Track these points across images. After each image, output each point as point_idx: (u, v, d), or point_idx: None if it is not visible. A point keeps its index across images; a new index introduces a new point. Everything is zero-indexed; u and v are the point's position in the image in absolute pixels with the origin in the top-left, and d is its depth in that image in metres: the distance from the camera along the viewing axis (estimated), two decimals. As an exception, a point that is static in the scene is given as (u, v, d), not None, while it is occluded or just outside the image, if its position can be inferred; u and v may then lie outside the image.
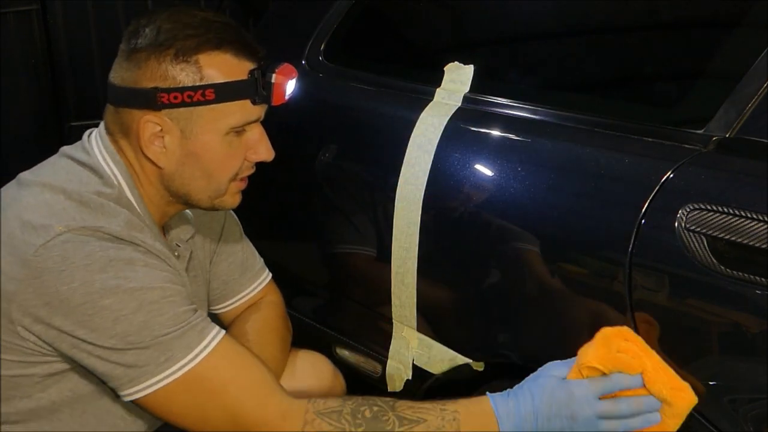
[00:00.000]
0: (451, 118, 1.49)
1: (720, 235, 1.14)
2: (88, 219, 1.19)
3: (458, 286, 1.51)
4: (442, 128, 1.48)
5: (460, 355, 1.50)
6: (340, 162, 1.71)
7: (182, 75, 1.22)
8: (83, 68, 3.11)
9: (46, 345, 1.20)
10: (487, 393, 1.25)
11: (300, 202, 1.81)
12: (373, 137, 1.66)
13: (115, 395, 1.24)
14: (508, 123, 1.47)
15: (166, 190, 1.30)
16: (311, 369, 1.56)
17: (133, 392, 1.18)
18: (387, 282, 1.56)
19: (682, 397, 1.18)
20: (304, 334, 1.64)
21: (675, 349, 1.21)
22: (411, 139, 1.51)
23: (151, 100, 1.23)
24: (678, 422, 1.20)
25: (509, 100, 1.49)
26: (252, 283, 1.57)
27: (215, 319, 1.55)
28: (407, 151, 1.51)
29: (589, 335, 1.26)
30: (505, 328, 1.45)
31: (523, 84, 1.65)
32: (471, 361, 1.49)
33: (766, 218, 1.11)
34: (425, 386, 1.59)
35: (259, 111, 1.29)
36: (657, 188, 1.22)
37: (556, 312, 1.35)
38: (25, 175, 1.28)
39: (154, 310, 1.17)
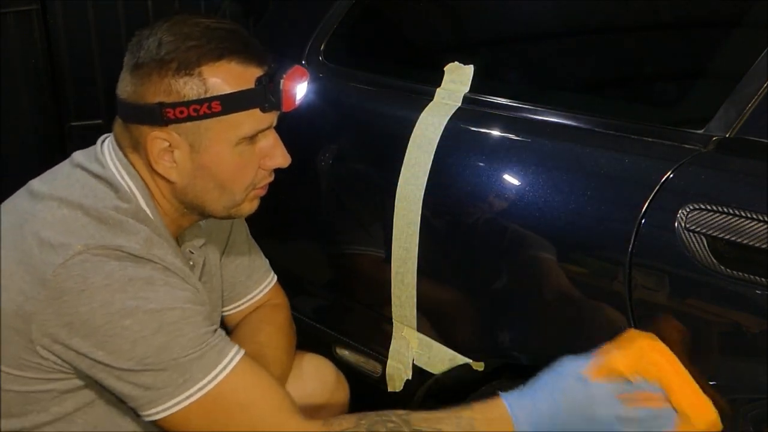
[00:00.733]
0: (451, 118, 1.49)
1: (720, 235, 1.14)
2: (107, 237, 1.17)
3: (458, 286, 1.51)
4: (442, 128, 1.48)
5: (460, 355, 1.50)
6: (340, 162, 1.71)
7: (186, 88, 1.19)
8: (83, 68, 3.11)
9: (65, 364, 1.19)
10: (500, 394, 1.23)
11: (300, 203, 1.81)
12: (373, 137, 1.66)
13: (131, 413, 1.24)
14: (508, 123, 1.47)
15: (181, 203, 1.28)
16: (315, 372, 1.55)
17: (152, 413, 1.17)
18: (387, 282, 1.56)
19: (705, 418, 1.18)
20: (305, 334, 1.63)
21: (674, 348, 1.21)
22: (411, 139, 1.51)
23: (156, 116, 1.20)
24: None
25: (509, 100, 1.49)
26: (259, 285, 1.57)
27: (221, 320, 1.55)
28: (407, 151, 1.50)
29: (590, 335, 1.26)
30: (505, 328, 1.45)
31: (523, 84, 1.64)
32: (471, 361, 1.49)
33: (766, 218, 1.11)
34: (426, 385, 1.59)
35: (270, 118, 1.25)
36: (657, 188, 1.22)
37: (556, 312, 1.35)
38: (38, 187, 1.26)
39: (174, 331, 1.16)
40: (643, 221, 1.21)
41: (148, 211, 1.25)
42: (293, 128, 1.74)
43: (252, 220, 1.59)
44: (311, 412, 1.50)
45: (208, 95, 1.19)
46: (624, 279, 1.23)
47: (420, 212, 1.48)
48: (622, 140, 1.33)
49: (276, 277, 1.60)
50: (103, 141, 1.30)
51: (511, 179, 1.40)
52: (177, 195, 1.27)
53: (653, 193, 1.22)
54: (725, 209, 1.14)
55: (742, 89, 1.23)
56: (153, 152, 1.23)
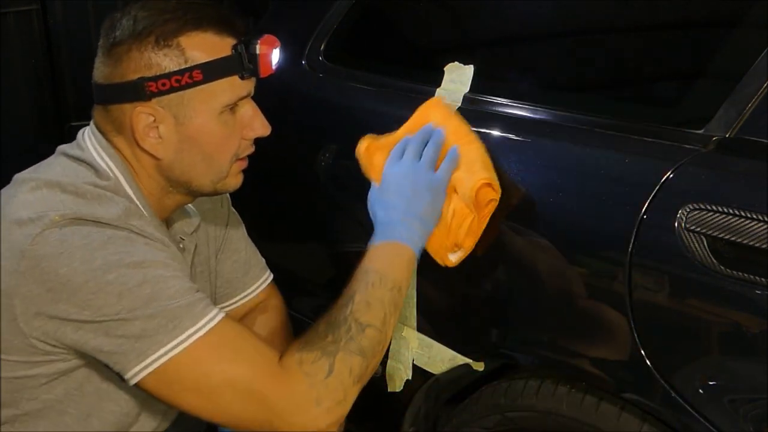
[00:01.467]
0: (451, 118, 1.49)
1: (720, 235, 1.14)
2: (84, 208, 1.18)
3: (458, 286, 1.51)
4: (442, 128, 1.48)
5: (460, 355, 1.50)
6: (340, 162, 1.70)
7: (166, 60, 1.22)
8: (83, 68, 3.10)
9: (50, 340, 1.18)
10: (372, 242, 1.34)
11: (300, 202, 1.81)
12: (373, 137, 1.65)
13: (122, 396, 1.24)
14: (508, 123, 1.47)
15: (166, 181, 1.29)
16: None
17: (141, 368, 1.14)
18: (387, 282, 1.56)
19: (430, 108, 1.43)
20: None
21: (674, 348, 1.21)
22: (411, 139, 1.50)
23: (139, 91, 1.22)
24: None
25: (509, 100, 1.49)
26: (255, 282, 1.57)
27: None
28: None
29: (589, 334, 1.26)
30: (505, 328, 1.45)
31: (523, 84, 1.64)
32: (471, 361, 1.49)
33: (766, 218, 1.11)
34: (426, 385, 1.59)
35: (248, 86, 1.28)
36: (657, 188, 1.22)
37: (556, 312, 1.35)
38: (20, 174, 1.28)
39: (159, 282, 1.15)
40: (643, 221, 1.21)
41: (129, 191, 1.26)
42: (294, 128, 1.75)
43: (252, 220, 1.59)
44: None
45: (188, 65, 1.22)
46: (624, 279, 1.23)
47: (420, 212, 1.48)
48: (622, 140, 1.33)
49: (272, 275, 1.60)
50: (84, 130, 1.32)
51: (510, 179, 1.40)
52: (163, 172, 1.28)
53: (653, 193, 1.22)
54: (725, 209, 1.14)
55: (742, 89, 1.23)
56: (138, 129, 1.24)
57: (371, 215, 1.38)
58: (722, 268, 1.14)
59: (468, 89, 1.52)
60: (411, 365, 1.59)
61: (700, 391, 1.20)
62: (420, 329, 1.55)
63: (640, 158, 1.30)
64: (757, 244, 1.11)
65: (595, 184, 1.32)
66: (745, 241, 1.12)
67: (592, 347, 1.31)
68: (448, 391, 1.60)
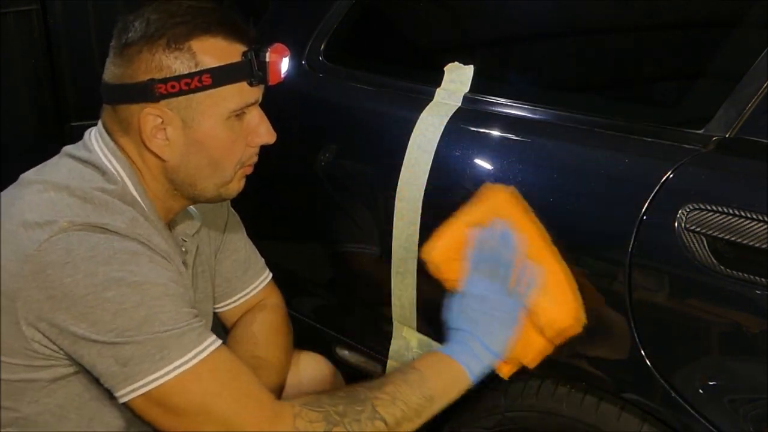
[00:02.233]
0: (451, 118, 1.49)
1: (720, 235, 1.14)
2: (92, 215, 1.18)
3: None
4: (442, 128, 1.48)
5: (460, 355, 1.50)
6: (340, 162, 1.71)
7: (177, 63, 1.22)
8: (83, 68, 3.11)
9: (50, 345, 1.19)
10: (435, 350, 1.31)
11: (300, 202, 1.81)
12: (373, 137, 1.66)
13: (121, 404, 1.24)
14: (508, 123, 1.47)
15: (171, 183, 1.29)
16: (312, 371, 1.56)
17: (128, 392, 1.17)
18: (387, 282, 1.56)
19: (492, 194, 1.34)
20: (304, 334, 1.64)
21: (674, 348, 1.21)
22: (411, 139, 1.51)
23: (148, 92, 1.22)
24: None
25: (509, 100, 1.49)
26: (254, 281, 1.57)
27: (216, 318, 1.56)
28: (407, 151, 1.51)
29: (589, 335, 1.26)
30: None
31: (523, 84, 1.64)
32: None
33: (766, 218, 1.11)
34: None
35: (256, 92, 1.28)
36: (657, 188, 1.22)
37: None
38: (26, 175, 1.28)
39: (155, 306, 1.16)
40: (643, 221, 1.21)
41: (135, 194, 1.26)
42: (294, 128, 1.75)
43: (253, 220, 1.59)
44: None
45: (198, 69, 1.22)
46: (624, 279, 1.23)
47: (420, 212, 1.48)
48: (622, 140, 1.33)
49: (271, 274, 1.60)
50: (91, 131, 1.32)
51: (510, 179, 1.40)
52: (168, 174, 1.28)
53: (653, 193, 1.22)
54: (725, 209, 1.14)
55: (742, 89, 1.23)
56: (146, 130, 1.24)
57: (446, 319, 1.34)
58: (722, 268, 1.14)
59: (468, 89, 1.52)
60: (411, 365, 1.58)
61: (700, 391, 1.20)
62: (420, 329, 1.56)
63: (640, 158, 1.30)
64: (757, 244, 1.11)
65: (595, 184, 1.32)
66: (745, 241, 1.12)
67: (592, 347, 1.31)
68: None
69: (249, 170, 1.33)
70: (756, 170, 1.18)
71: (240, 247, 1.55)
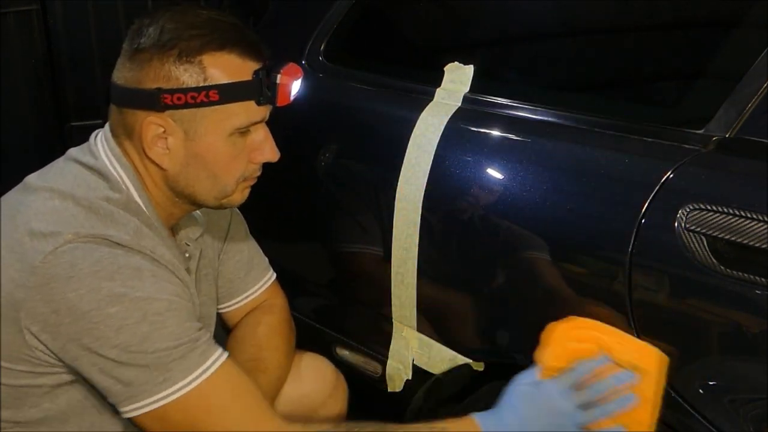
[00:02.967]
0: (451, 118, 1.49)
1: (720, 235, 1.14)
2: (97, 226, 1.18)
3: (458, 286, 1.51)
4: (442, 128, 1.48)
5: (460, 355, 1.50)
6: (340, 162, 1.71)
7: (186, 76, 1.21)
8: (83, 68, 3.11)
9: (53, 355, 1.19)
10: (471, 414, 1.28)
11: (300, 202, 1.81)
12: (373, 137, 1.66)
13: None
14: (508, 123, 1.47)
15: (171, 191, 1.29)
16: (314, 372, 1.56)
17: (130, 409, 1.18)
18: (387, 282, 1.56)
19: (652, 358, 1.20)
20: (305, 334, 1.63)
21: (674, 349, 1.21)
22: (411, 139, 1.51)
23: (154, 101, 1.21)
24: (657, 389, 1.21)
25: (509, 100, 1.49)
26: (257, 282, 1.57)
27: (219, 318, 1.55)
28: (407, 151, 1.51)
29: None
30: (505, 328, 1.45)
31: (523, 84, 1.64)
32: (471, 361, 1.49)
33: (766, 218, 1.10)
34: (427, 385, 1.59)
35: (263, 112, 1.27)
36: (657, 188, 1.22)
37: (556, 312, 1.35)
38: (32, 180, 1.27)
39: (157, 321, 1.16)
40: (643, 221, 1.21)
41: (140, 202, 1.26)
42: (293, 128, 1.75)
43: (252, 220, 1.59)
44: (310, 412, 1.50)
45: (206, 84, 1.21)
46: (624, 279, 1.23)
47: (420, 212, 1.48)
48: (622, 140, 1.33)
49: (275, 275, 1.60)
50: (97, 134, 1.31)
51: (511, 179, 1.40)
52: (168, 183, 1.28)
53: (653, 193, 1.22)
54: (725, 209, 1.14)
55: (742, 89, 1.23)
56: (147, 137, 1.23)
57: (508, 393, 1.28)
58: (722, 268, 1.14)
59: (468, 89, 1.52)
60: (411, 365, 1.59)
61: (700, 391, 1.20)
62: (420, 329, 1.56)
63: (640, 158, 1.30)
64: (757, 244, 1.11)
65: (595, 184, 1.32)
66: (745, 241, 1.12)
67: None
68: (448, 391, 1.61)
69: (251, 182, 1.32)
70: (756, 170, 1.17)
71: (243, 247, 1.54)
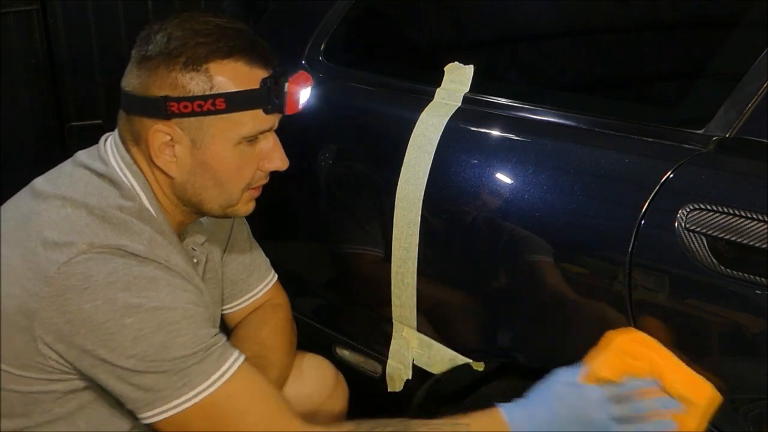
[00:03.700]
0: (451, 118, 1.49)
1: (720, 235, 1.14)
2: (111, 236, 1.18)
3: (458, 286, 1.51)
4: (442, 128, 1.48)
5: (460, 355, 1.50)
6: (340, 162, 1.71)
7: (192, 84, 1.20)
8: (83, 68, 3.11)
9: (67, 364, 1.19)
10: (497, 404, 1.25)
11: (300, 203, 1.81)
12: (373, 137, 1.66)
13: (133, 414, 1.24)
14: (508, 123, 1.47)
15: (179, 199, 1.28)
16: (315, 373, 1.56)
17: (150, 415, 1.18)
18: (387, 282, 1.56)
19: (703, 393, 1.18)
20: (305, 334, 1.64)
21: (675, 349, 1.21)
22: (411, 139, 1.51)
23: (160, 109, 1.20)
24: (702, 422, 1.18)
25: (509, 100, 1.49)
26: (259, 283, 1.57)
27: (221, 319, 1.55)
28: (407, 151, 1.51)
29: (589, 335, 1.26)
30: (505, 328, 1.45)
31: (523, 84, 1.64)
32: (471, 361, 1.49)
33: (766, 218, 1.11)
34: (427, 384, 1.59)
35: (272, 120, 1.26)
36: (657, 188, 1.22)
37: (556, 312, 1.35)
38: (41, 186, 1.26)
39: (174, 330, 1.16)
40: (643, 221, 1.21)
41: (151, 210, 1.25)
42: (293, 128, 1.74)
43: (253, 221, 1.59)
44: (310, 412, 1.50)
45: (213, 92, 1.20)
46: (624, 279, 1.23)
47: (420, 212, 1.48)
48: (622, 140, 1.33)
49: (276, 275, 1.60)
50: (106, 139, 1.31)
51: (511, 179, 1.40)
52: (176, 191, 1.28)
53: (653, 193, 1.22)
54: (725, 209, 1.14)
55: (742, 89, 1.23)
56: (154, 145, 1.23)
57: (544, 392, 1.25)
58: (722, 268, 1.14)
59: (468, 89, 1.52)
60: (411, 365, 1.59)
61: (700, 391, 1.20)
62: (420, 329, 1.56)
63: (640, 158, 1.30)
64: (757, 244, 1.11)
65: (596, 185, 1.32)
66: (745, 241, 1.12)
67: (592, 347, 1.31)
68: (448, 391, 1.61)
69: (256, 193, 1.32)
70: (756, 170, 1.18)
71: (245, 249, 1.55)
